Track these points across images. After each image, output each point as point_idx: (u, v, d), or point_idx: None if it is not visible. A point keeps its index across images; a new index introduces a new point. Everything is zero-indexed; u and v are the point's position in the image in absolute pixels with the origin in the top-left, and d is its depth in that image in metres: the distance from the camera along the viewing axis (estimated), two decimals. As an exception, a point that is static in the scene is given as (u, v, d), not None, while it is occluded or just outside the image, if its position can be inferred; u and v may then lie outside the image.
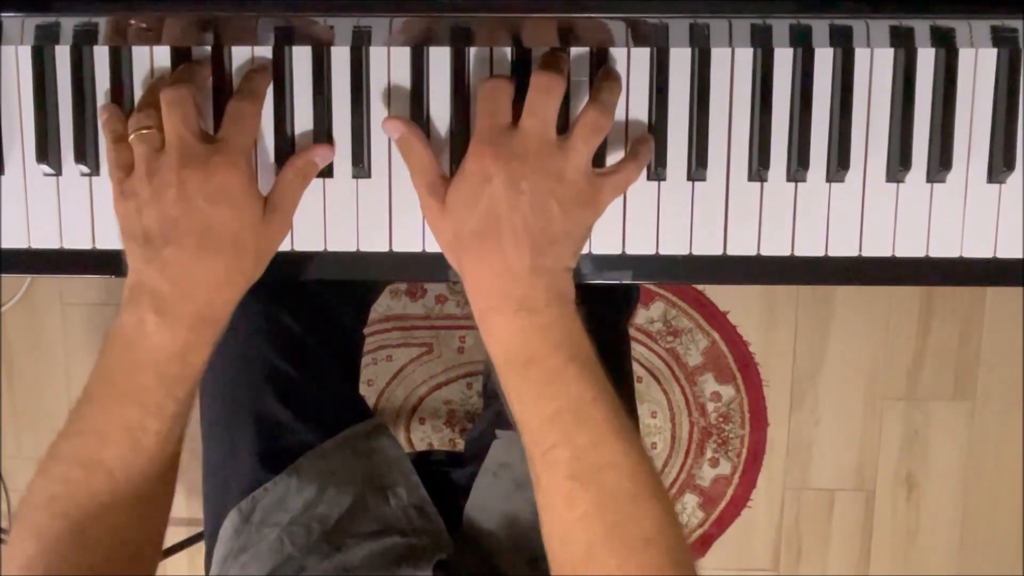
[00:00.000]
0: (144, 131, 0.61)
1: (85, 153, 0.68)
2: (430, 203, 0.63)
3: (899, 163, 0.66)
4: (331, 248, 0.68)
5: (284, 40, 0.66)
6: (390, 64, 0.67)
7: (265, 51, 0.67)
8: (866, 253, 0.68)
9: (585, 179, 0.60)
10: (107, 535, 0.59)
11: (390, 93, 0.67)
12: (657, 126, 0.66)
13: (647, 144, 0.65)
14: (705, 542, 1.69)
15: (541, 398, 0.58)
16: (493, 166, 0.58)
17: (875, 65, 0.66)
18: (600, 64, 0.66)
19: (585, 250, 0.67)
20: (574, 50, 0.66)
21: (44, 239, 0.69)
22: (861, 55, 0.66)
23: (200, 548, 1.00)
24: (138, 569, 0.61)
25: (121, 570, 0.59)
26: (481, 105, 0.61)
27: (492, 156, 0.59)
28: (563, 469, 0.57)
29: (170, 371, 0.59)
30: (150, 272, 0.59)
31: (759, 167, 0.66)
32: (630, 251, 0.68)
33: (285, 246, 0.68)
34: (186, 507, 1.55)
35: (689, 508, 1.68)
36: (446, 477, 0.92)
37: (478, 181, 0.59)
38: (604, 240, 0.68)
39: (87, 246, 0.69)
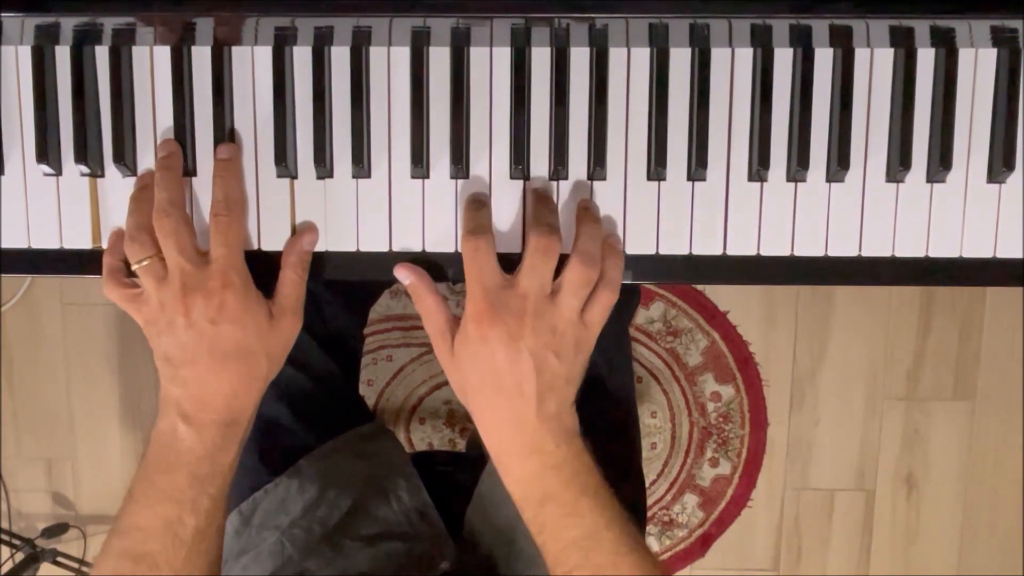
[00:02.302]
0: (146, 262, 0.65)
1: (85, 153, 0.67)
2: (441, 347, 0.66)
3: (899, 163, 0.66)
4: (331, 248, 0.68)
5: (284, 40, 0.66)
6: (390, 64, 0.67)
7: (265, 51, 0.67)
8: (866, 253, 0.68)
9: (576, 326, 0.63)
10: None
11: (390, 93, 0.67)
12: (657, 126, 0.66)
13: (617, 260, 0.66)
14: (705, 542, 1.69)
15: (558, 529, 0.63)
16: (491, 330, 0.62)
17: (875, 65, 0.66)
18: (600, 65, 0.66)
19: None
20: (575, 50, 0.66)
21: (44, 239, 0.69)
22: (861, 55, 0.66)
23: (200, 548, 1.00)
24: None
25: None
26: (468, 268, 0.63)
27: (490, 321, 0.62)
28: None
29: (201, 470, 0.65)
30: (174, 388, 0.65)
31: (759, 167, 0.66)
32: (630, 251, 0.68)
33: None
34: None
35: (689, 508, 1.68)
36: (448, 479, 0.92)
37: (478, 343, 0.62)
38: (604, 240, 0.68)
39: (87, 246, 0.69)
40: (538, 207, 0.66)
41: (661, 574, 0.64)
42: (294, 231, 0.68)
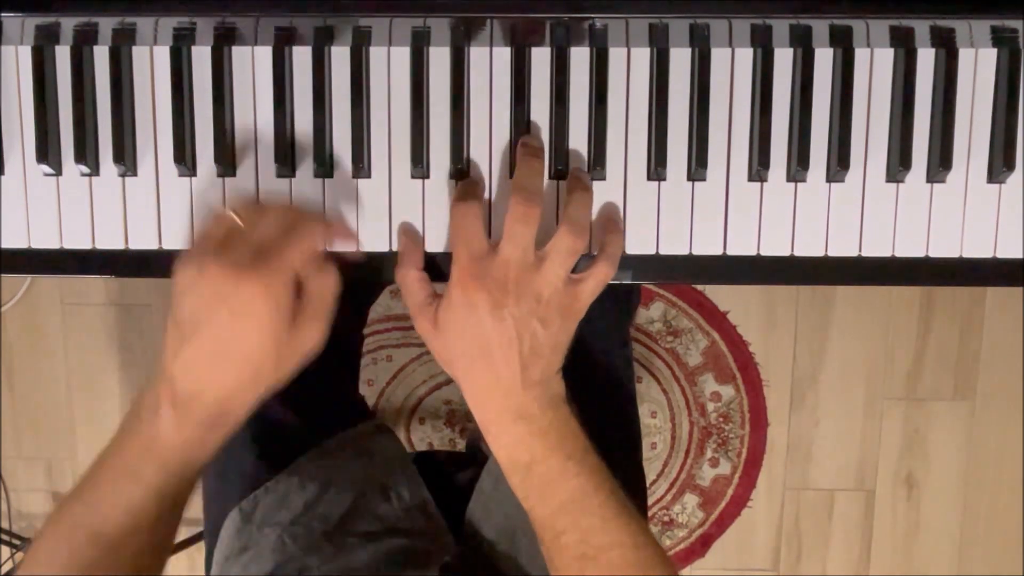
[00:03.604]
0: (233, 213, 0.61)
1: (85, 153, 0.68)
2: (421, 321, 0.65)
3: (899, 163, 0.66)
4: (331, 248, 0.68)
5: (284, 40, 0.66)
6: (390, 64, 0.67)
7: (265, 51, 0.67)
8: (866, 253, 0.68)
9: (563, 294, 0.63)
10: None
11: (390, 93, 0.67)
12: (657, 126, 0.66)
13: (617, 237, 0.66)
14: (705, 542, 1.69)
15: (546, 494, 0.63)
16: (476, 295, 0.61)
17: (875, 65, 0.66)
18: (600, 65, 0.66)
19: (585, 251, 0.67)
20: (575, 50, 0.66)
21: (44, 239, 0.69)
22: (861, 55, 0.66)
23: (200, 548, 1.00)
24: None
25: None
26: (454, 233, 0.63)
27: (474, 287, 0.61)
28: (573, 551, 0.63)
29: (173, 460, 0.62)
30: (176, 364, 0.60)
31: (759, 167, 0.66)
32: (630, 251, 0.68)
33: (285, 246, 0.68)
34: (187, 507, 1.55)
35: (689, 508, 1.68)
36: (447, 478, 0.92)
37: (463, 310, 0.62)
38: (604, 240, 0.68)
39: (87, 246, 0.69)
40: (521, 168, 0.64)
41: (651, 540, 0.64)
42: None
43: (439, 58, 0.66)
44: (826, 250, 0.68)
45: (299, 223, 0.61)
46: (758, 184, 0.67)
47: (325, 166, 0.67)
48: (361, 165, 0.67)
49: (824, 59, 0.66)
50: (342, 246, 0.67)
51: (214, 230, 0.62)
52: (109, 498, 0.62)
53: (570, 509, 0.63)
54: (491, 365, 0.62)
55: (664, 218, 0.68)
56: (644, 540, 0.63)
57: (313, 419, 0.87)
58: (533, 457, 0.63)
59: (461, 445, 1.65)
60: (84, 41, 0.67)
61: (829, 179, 0.67)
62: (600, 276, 0.64)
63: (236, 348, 0.59)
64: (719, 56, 0.66)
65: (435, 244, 0.68)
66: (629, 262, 0.68)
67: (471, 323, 0.62)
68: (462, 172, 0.67)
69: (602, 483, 0.64)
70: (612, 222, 0.66)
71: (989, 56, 0.66)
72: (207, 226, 0.63)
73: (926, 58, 0.66)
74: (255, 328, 0.59)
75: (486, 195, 0.66)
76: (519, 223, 0.62)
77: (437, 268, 0.68)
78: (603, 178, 0.67)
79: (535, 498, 0.64)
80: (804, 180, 0.67)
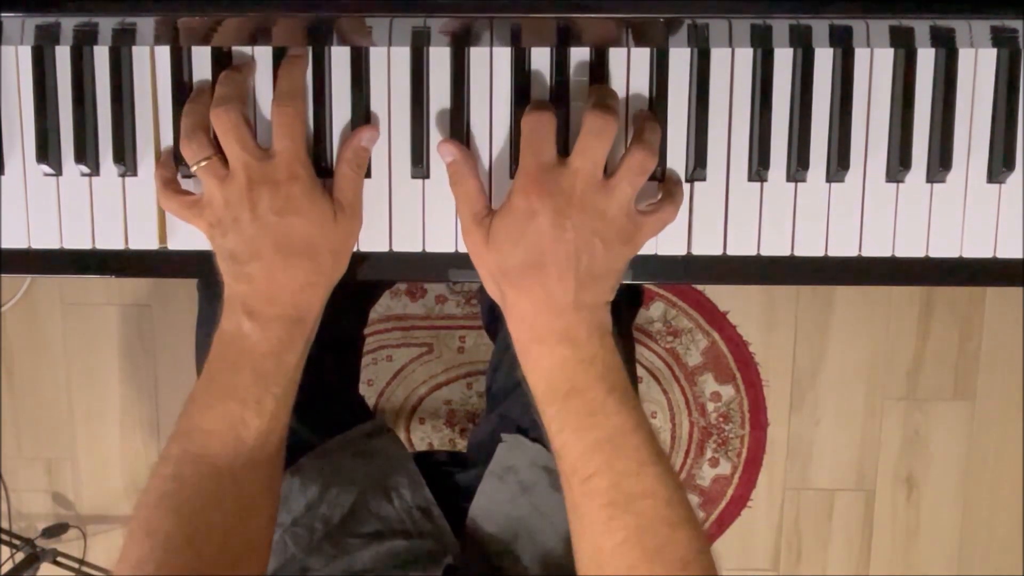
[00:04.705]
0: (204, 162, 0.63)
1: (85, 153, 0.68)
2: (474, 234, 0.63)
3: (899, 163, 0.66)
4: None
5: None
6: (390, 64, 0.67)
7: (265, 51, 0.67)
8: (866, 253, 0.68)
9: (628, 217, 0.61)
10: (214, 533, 0.61)
11: (390, 93, 0.67)
12: (657, 126, 0.66)
13: (680, 184, 0.66)
14: (705, 542, 1.68)
15: (582, 428, 0.60)
16: (539, 203, 0.59)
17: (875, 65, 0.66)
18: (600, 64, 0.66)
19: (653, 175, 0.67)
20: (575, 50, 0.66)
21: (44, 239, 0.69)
22: (861, 55, 0.66)
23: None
24: (246, 568, 0.63)
25: (229, 569, 0.61)
26: (525, 140, 0.62)
27: (538, 193, 0.59)
28: (602, 497, 0.59)
29: (266, 368, 0.63)
30: (240, 286, 0.63)
31: (759, 167, 0.66)
32: (630, 251, 0.68)
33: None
34: (186, 507, 1.55)
35: (689, 508, 1.68)
36: (449, 478, 0.92)
37: (524, 217, 0.60)
38: (604, 240, 0.68)
39: (87, 246, 0.69)
40: (600, 90, 0.64)
41: (684, 498, 0.60)
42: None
43: (439, 58, 0.66)
44: (826, 250, 0.68)
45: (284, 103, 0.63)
46: (758, 184, 0.67)
47: (325, 166, 0.67)
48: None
49: (824, 59, 0.66)
50: (368, 141, 0.66)
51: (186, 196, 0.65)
52: (209, 419, 0.62)
53: (605, 448, 0.59)
54: (544, 278, 0.60)
55: (664, 218, 0.68)
56: (679, 497, 0.60)
57: (314, 420, 0.87)
58: (574, 385, 0.60)
59: (461, 445, 1.65)
60: (84, 41, 0.67)
61: (829, 179, 0.67)
62: (664, 214, 0.63)
63: (293, 241, 0.62)
64: (719, 56, 0.66)
65: (437, 245, 0.68)
66: (629, 262, 0.68)
67: (530, 231, 0.60)
68: (462, 172, 0.67)
69: (640, 425, 0.60)
70: (674, 175, 0.66)
71: (989, 56, 0.66)
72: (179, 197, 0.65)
73: (926, 58, 0.66)
74: (302, 214, 0.62)
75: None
76: (594, 136, 0.60)
77: (439, 268, 0.68)
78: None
79: (570, 431, 0.60)
80: (804, 180, 0.67)
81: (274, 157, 0.63)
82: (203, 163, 0.63)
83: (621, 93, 0.66)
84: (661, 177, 0.66)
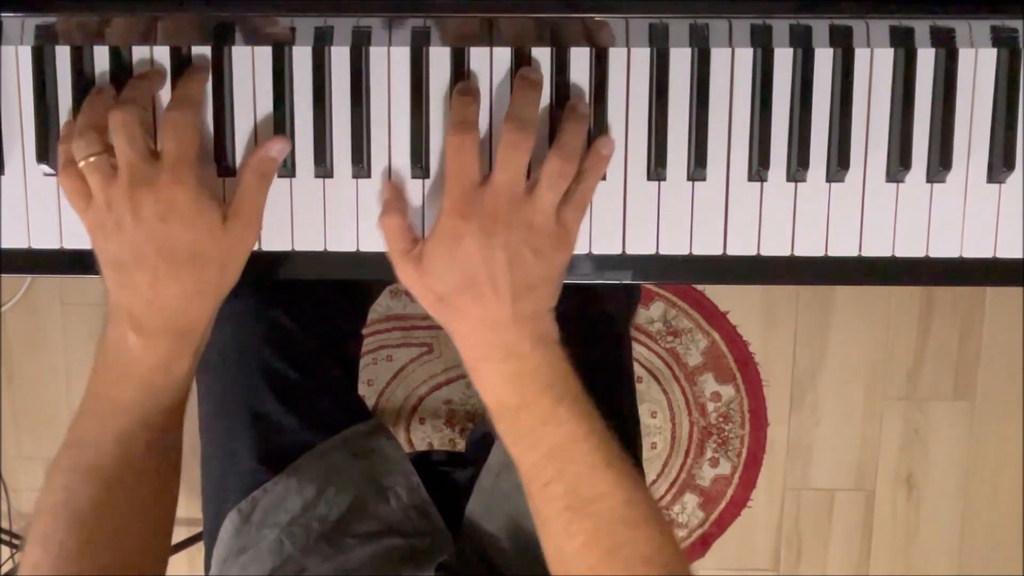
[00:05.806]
0: (93, 158, 0.61)
1: (85, 153, 0.67)
2: (405, 268, 0.64)
3: (899, 163, 0.66)
4: (330, 248, 0.68)
5: (284, 40, 0.66)
6: (390, 64, 0.67)
7: (265, 51, 0.67)
8: (866, 253, 0.68)
9: (554, 222, 0.62)
10: (110, 538, 0.61)
11: (390, 93, 0.67)
12: (657, 126, 0.66)
13: (599, 164, 0.65)
14: (705, 542, 1.69)
15: (534, 438, 0.61)
16: (465, 225, 0.60)
17: (875, 65, 0.66)
18: (600, 64, 0.66)
19: (585, 250, 0.67)
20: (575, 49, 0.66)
21: (44, 239, 0.69)
22: (861, 55, 0.66)
23: (200, 548, 1.00)
24: (146, 570, 0.64)
25: (128, 571, 0.61)
26: (449, 163, 0.62)
27: (464, 216, 0.60)
28: (560, 502, 0.60)
29: (154, 382, 0.62)
30: (124, 295, 0.62)
31: (759, 167, 0.66)
32: (630, 251, 0.68)
33: (284, 247, 0.68)
34: (186, 507, 1.54)
35: (689, 508, 1.68)
36: (447, 477, 0.92)
37: (452, 240, 0.60)
38: (604, 240, 0.68)
39: (87, 246, 0.69)
40: (517, 97, 0.64)
41: (646, 497, 0.61)
42: (293, 230, 0.68)
43: (439, 58, 0.66)
44: (826, 250, 0.68)
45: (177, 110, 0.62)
46: (758, 184, 0.67)
47: (325, 166, 0.67)
48: (361, 165, 0.67)
49: (824, 59, 0.66)
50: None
51: (82, 182, 0.62)
52: (97, 433, 0.62)
53: (558, 456, 0.60)
54: (480, 297, 0.60)
55: (664, 218, 0.68)
56: (638, 497, 0.60)
57: (311, 420, 0.87)
58: (523, 399, 0.61)
59: (461, 445, 1.65)
60: (87, 41, 0.67)
61: (829, 179, 0.67)
62: (578, 202, 0.63)
63: (177, 250, 0.61)
64: (719, 56, 0.66)
65: (435, 244, 0.68)
66: (629, 262, 0.68)
67: (459, 254, 0.60)
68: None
69: (592, 430, 0.61)
70: (595, 150, 0.65)
71: (989, 56, 0.66)
72: (73, 180, 0.63)
73: (926, 58, 0.66)
74: (185, 222, 0.60)
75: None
76: (512, 149, 0.61)
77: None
78: (603, 178, 0.67)
79: (523, 444, 0.61)
80: (804, 180, 0.67)
81: (161, 159, 0.61)
82: (91, 159, 0.61)
83: (621, 93, 0.66)
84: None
